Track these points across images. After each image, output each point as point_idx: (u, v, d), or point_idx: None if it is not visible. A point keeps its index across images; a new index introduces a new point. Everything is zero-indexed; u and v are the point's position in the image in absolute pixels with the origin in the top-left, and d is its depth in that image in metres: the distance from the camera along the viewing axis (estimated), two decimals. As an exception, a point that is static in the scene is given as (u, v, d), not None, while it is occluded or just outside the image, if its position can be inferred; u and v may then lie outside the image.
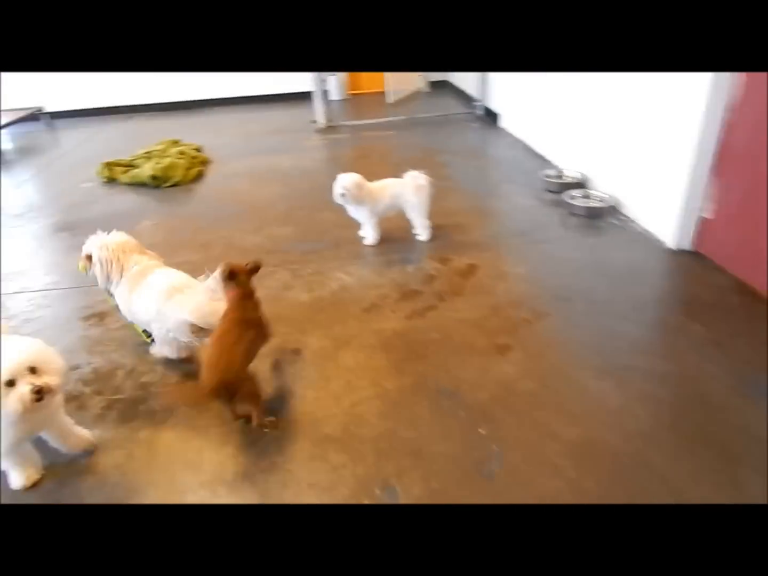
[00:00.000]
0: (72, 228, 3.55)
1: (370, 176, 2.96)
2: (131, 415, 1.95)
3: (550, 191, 3.52)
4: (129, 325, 2.31)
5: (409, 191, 2.88)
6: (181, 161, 4.33)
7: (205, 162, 4.63)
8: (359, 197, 2.83)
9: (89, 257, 2.14)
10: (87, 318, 2.54)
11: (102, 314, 2.55)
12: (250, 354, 1.80)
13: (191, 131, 5.57)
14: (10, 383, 1.42)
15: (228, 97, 6.72)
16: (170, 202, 3.93)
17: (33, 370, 1.45)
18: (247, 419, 1.80)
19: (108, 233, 2.21)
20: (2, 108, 6.10)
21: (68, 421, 1.73)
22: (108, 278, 2.13)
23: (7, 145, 5.75)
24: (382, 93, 6.47)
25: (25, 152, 5.51)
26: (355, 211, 2.96)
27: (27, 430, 1.58)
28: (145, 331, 2.26)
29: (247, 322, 1.80)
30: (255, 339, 1.82)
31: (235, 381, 1.69)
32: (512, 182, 3.80)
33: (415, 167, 2.94)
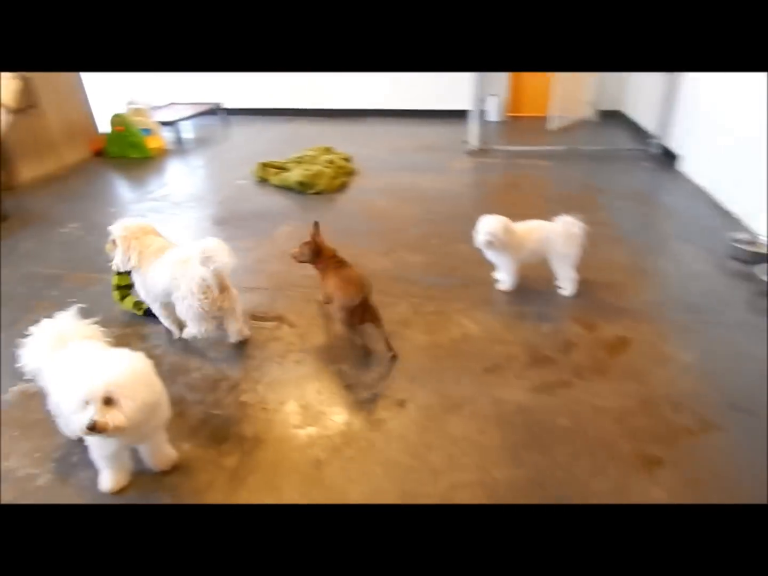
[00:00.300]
0: (220, 223, 3.73)
1: (517, 210, 2.66)
2: (223, 435, 1.88)
3: (738, 260, 2.90)
4: (122, 302, 2.58)
5: (558, 239, 2.52)
6: (328, 170, 4.37)
7: (350, 173, 4.64)
8: (505, 244, 2.52)
9: (114, 241, 2.32)
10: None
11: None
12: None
13: (344, 139, 5.67)
14: (87, 403, 1.38)
15: (384, 108, 6.78)
16: (311, 209, 3.97)
17: (108, 401, 1.38)
18: (366, 350, 2.26)
19: (131, 218, 2.44)
20: (189, 102, 6.79)
21: (161, 439, 1.70)
22: (127, 258, 2.30)
23: (189, 135, 6.35)
24: (544, 118, 6.04)
25: (200, 143, 6.03)
26: (494, 255, 2.66)
27: (120, 443, 1.57)
28: (137, 303, 2.54)
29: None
30: None
31: (368, 299, 2.13)
32: (687, 240, 3.21)
33: (569, 207, 2.57)
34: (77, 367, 1.45)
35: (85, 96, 5.40)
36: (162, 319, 2.42)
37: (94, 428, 1.35)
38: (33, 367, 1.65)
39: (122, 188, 4.76)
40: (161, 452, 1.70)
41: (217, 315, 2.24)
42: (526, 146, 5.23)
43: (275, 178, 4.43)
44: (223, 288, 2.18)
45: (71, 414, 1.40)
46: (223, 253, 2.06)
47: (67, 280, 2.98)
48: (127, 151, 5.34)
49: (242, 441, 1.85)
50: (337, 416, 1.94)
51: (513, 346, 2.27)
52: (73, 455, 1.79)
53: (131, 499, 1.64)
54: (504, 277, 2.70)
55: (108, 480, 1.65)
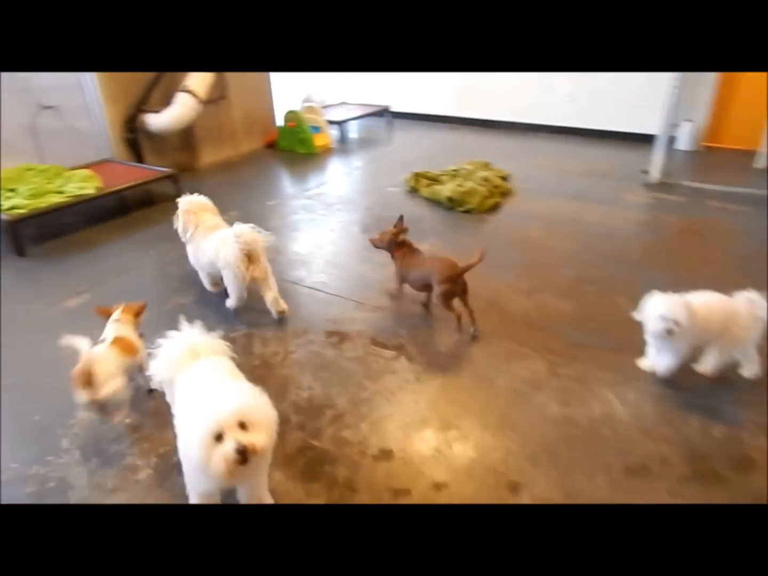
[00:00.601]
0: (365, 230, 3.69)
1: (695, 267, 2.17)
2: (315, 472, 1.77)
3: None
4: None
5: (740, 320, 1.98)
6: (482, 188, 4.11)
7: (505, 193, 4.32)
8: (687, 331, 1.97)
9: (178, 214, 2.72)
10: (329, 334, 2.51)
11: (344, 335, 2.48)
12: None
13: (506, 154, 5.35)
14: (219, 437, 1.27)
15: (554, 125, 6.27)
16: (457, 229, 3.76)
17: (242, 426, 1.28)
18: (459, 321, 2.47)
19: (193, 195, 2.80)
20: (359, 103, 6.98)
21: (263, 480, 1.56)
22: (186, 229, 2.69)
23: (354, 135, 6.52)
24: (751, 153, 5.08)
25: (363, 143, 6.15)
26: (663, 342, 2.07)
27: (225, 483, 1.42)
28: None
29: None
30: None
31: (462, 277, 2.41)
32: None
33: (762, 273, 2.01)
34: (206, 397, 1.37)
35: (270, 91, 5.80)
36: (205, 284, 2.81)
37: (244, 452, 1.24)
38: (163, 378, 1.60)
39: (284, 182, 5.01)
40: (258, 496, 1.56)
41: (251, 284, 2.56)
42: (721, 185, 4.42)
43: (426, 190, 4.30)
44: (253, 260, 2.49)
45: (202, 449, 1.27)
46: (252, 235, 2.44)
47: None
48: (296, 146, 5.61)
49: (333, 484, 1.72)
50: (437, 480, 1.72)
51: (669, 446, 1.84)
52: (175, 457, 1.81)
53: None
54: (665, 362, 2.13)
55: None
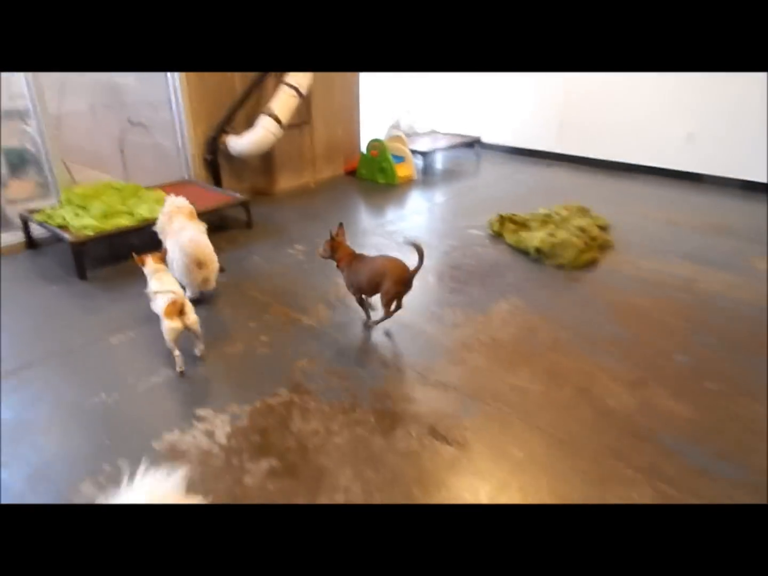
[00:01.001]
0: (437, 277, 3.30)
1: None
2: None
3: None
4: None
5: None
6: (577, 240, 3.57)
7: (604, 247, 3.75)
8: None
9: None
10: (380, 415, 2.12)
11: (398, 418, 2.08)
12: None
13: (607, 199, 4.75)
14: None
15: (665, 168, 5.53)
16: (544, 286, 3.26)
17: None
18: (385, 315, 2.61)
19: (179, 198, 3.01)
20: (448, 132, 6.64)
21: None
22: (162, 228, 2.95)
23: (440, 166, 6.18)
24: None
25: (448, 176, 5.78)
26: None
27: None
28: None
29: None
30: None
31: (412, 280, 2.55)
32: None
33: None
34: None
35: (359, 117, 5.60)
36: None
37: None
38: None
39: (359, 214, 4.74)
40: None
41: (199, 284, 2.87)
42: None
43: (512, 237, 3.83)
44: (201, 265, 2.78)
45: None
46: (194, 246, 2.74)
47: (269, 313, 2.87)
48: (376, 176, 5.35)
49: None
50: None
51: None
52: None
53: None
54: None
55: None
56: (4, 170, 3.95)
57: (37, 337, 2.63)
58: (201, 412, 2.11)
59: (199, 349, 2.43)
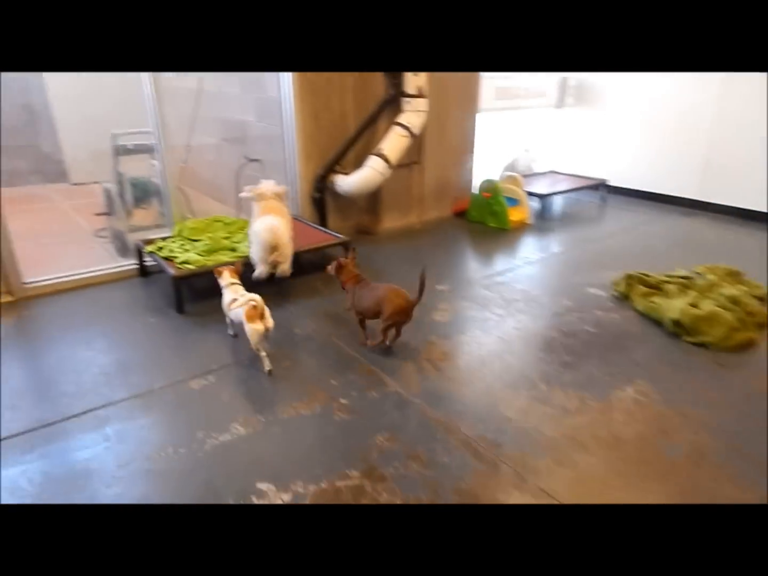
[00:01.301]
0: (546, 347, 2.86)
1: None
2: None
3: None
4: None
5: None
6: (728, 314, 2.93)
7: (765, 325, 3.05)
8: None
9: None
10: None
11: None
12: None
13: (763, 260, 3.96)
14: None
15: None
16: (683, 370, 2.67)
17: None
18: (381, 342, 2.74)
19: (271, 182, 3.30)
20: (570, 173, 6.13)
21: None
22: (251, 209, 3.27)
23: (559, 210, 5.69)
24: None
25: (568, 222, 5.26)
26: None
27: None
28: None
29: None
30: None
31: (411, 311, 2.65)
32: None
33: None
34: None
35: (472, 157, 5.32)
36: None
37: None
38: None
39: (464, 260, 4.42)
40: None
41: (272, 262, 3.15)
42: None
43: (642, 302, 3.27)
44: (276, 247, 3.09)
45: None
46: (275, 229, 3.09)
47: (354, 370, 2.64)
48: (487, 219, 5.01)
49: None
50: None
51: None
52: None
53: None
54: None
55: None
56: (130, 200, 4.22)
57: (124, 372, 2.62)
58: (262, 486, 1.90)
59: (266, 365, 2.55)
